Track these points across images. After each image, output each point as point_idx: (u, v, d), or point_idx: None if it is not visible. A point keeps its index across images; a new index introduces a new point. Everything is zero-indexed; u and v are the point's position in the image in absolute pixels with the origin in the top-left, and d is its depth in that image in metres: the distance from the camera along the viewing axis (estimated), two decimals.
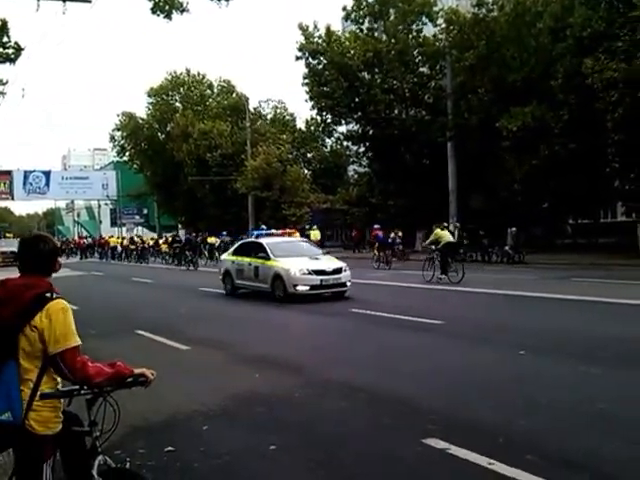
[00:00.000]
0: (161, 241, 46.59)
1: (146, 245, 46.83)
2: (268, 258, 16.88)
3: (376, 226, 30.54)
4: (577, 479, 4.43)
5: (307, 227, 43.71)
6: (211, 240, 42.42)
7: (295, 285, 15.98)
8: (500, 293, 15.96)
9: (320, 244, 30.07)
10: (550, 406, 6.24)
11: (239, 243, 20.67)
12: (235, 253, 19.10)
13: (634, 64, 23.96)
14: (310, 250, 18.38)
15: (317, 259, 17.16)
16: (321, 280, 16.08)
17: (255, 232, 18.92)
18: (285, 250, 17.51)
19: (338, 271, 16.51)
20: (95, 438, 3.25)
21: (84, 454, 3.29)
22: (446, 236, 19.28)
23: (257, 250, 17.71)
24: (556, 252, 22.13)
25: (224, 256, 20.36)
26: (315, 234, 38.99)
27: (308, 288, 15.99)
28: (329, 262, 17.24)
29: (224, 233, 44.93)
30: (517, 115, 29.03)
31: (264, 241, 18.47)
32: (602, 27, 26.00)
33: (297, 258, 16.89)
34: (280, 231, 21.56)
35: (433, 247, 19.42)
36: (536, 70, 31.45)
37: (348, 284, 16.55)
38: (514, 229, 25.17)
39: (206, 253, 39.18)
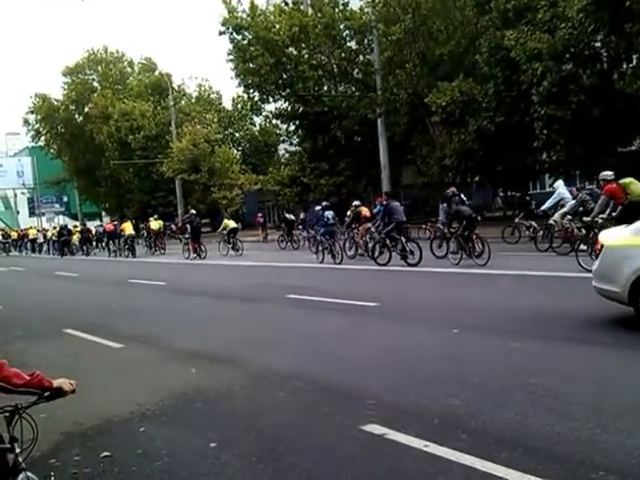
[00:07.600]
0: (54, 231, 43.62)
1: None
2: None
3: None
4: (509, 455, 4.47)
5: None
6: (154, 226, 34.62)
7: None
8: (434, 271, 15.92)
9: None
10: (482, 383, 6.25)
11: None
12: None
13: (557, 35, 24.22)
14: None
15: None
16: None
17: None
18: None
19: None
20: (17, 454, 3.07)
21: (6, 472, 3.09)
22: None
23: None
24: (486, 225, 22.39)
25: (620, 239, 8.30)
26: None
27: None
28: None
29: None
30: (445, 90, 29.15)
31: None
32: None
33: None
34: None
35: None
36: (462, 43, 31.69)
37: None
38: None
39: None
